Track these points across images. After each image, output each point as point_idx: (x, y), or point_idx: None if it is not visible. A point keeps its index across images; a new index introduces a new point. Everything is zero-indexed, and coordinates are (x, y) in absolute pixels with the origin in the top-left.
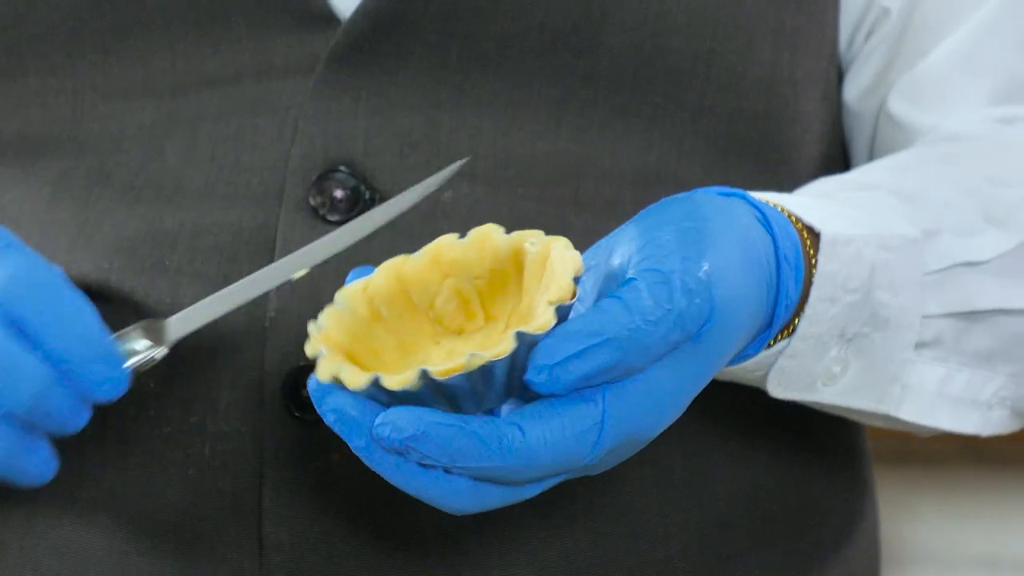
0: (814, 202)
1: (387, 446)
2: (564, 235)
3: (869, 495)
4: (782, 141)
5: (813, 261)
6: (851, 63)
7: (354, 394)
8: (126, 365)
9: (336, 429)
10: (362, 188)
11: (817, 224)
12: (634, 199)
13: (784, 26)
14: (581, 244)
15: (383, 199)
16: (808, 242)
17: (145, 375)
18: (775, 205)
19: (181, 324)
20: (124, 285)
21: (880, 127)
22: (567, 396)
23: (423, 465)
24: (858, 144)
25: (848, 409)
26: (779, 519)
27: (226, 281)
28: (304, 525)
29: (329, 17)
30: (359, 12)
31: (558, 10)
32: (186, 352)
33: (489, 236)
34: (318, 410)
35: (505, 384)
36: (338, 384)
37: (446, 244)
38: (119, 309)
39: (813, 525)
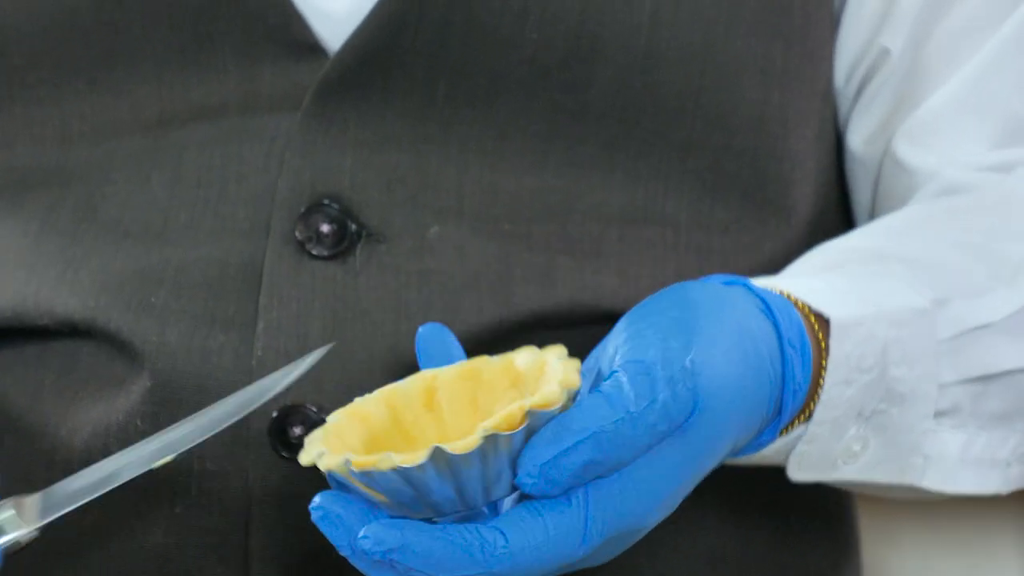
0: (820, 282)
1: (370, 559)
2: (551, 273)
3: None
4: (771, 179)
5: (823, 344)
6: (853, 108)
7: (343, 498)
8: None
9: (323, 531)
10: (348, 222)
11: (826, 310)
12: (621, 237)
13: (774, 64)
14: (568, 287)
15: (369, 234)
16: (816, 325)
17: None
18: (779, 290)
19: (49, 504)
20: (110, 324)
21: (884, 171)
22: (552, 500)
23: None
24: (862, 190)
25: (869, 484)
26: None
27: (211, 317)
28: (291, 565)
29: (317, 50)
30: (347, 45)
31: (547, 46)
32: (173, 390)
33: (480, 370)
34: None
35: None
36: (336, 475)
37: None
38: (105, 347)
39: None
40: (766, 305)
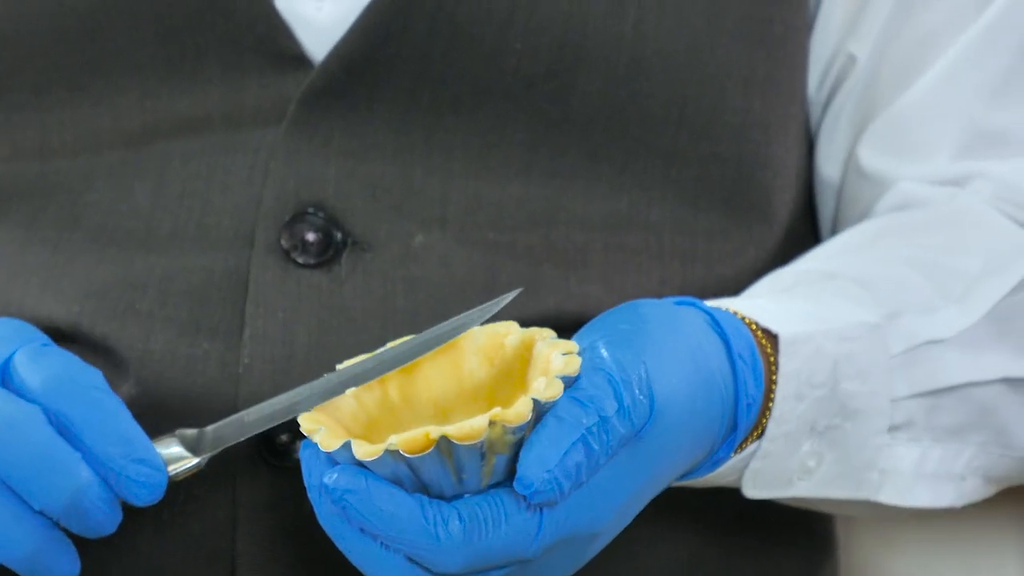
0: (770, 303)
1: (329, 496)
2: (536, 282)
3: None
4: (754, 186)
5: (773, 360)
6: (823, 116)
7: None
8: (168, 468)
9: (305, 471)
10: (334, 231)
11: (774, 327)
12: (605, 245)
13: (756, 73)
14: (553, 296)
15: (354, 242)
16: (766, 343)
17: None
18: (729, 309)
19: (217, 435)
20: (95, 329)
21: (847, 178)
22: (510, 492)
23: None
24: (825, 198)
25: (825, 500)
26: None
27: (196, 325)
28: (279, 572)
29: (302, 60)
30: (332, 55)
31: (531, 56)
32: (159, 398)
33: (504, 340)
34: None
35: (480, 472)
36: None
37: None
38: (90, 353)
39: None
40: (715, 321)
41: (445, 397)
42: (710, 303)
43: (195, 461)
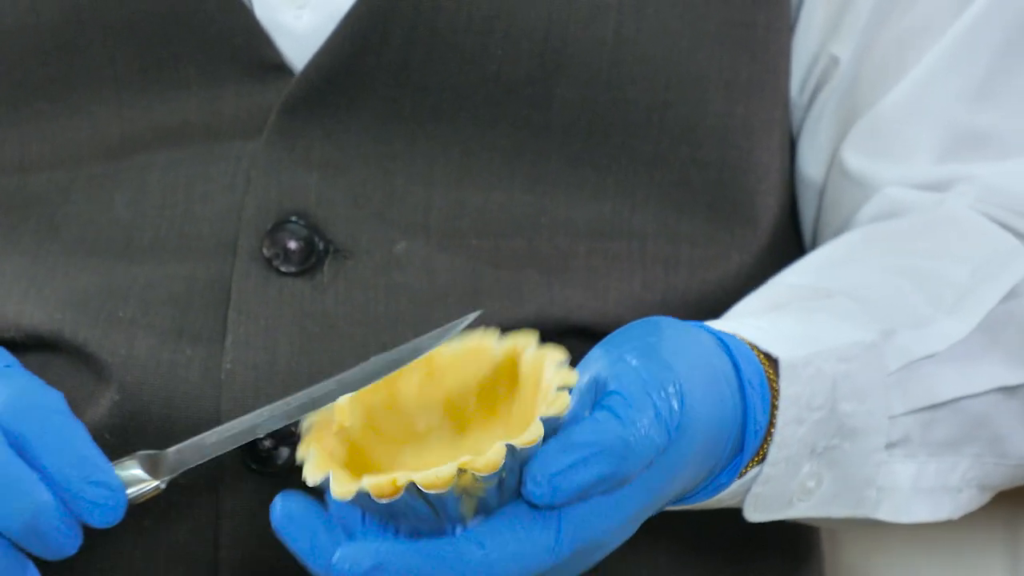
0: (767, 324)
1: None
2: (518, 288)
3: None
4: (737, 191)
5: (774, 384)
6: (805, 118)
7: (307, 518)
8: (127, 492)
9: (293, 549)
10: (316, 239)
11: (774, 351)
12: (588, 251)
13: (738, 76)
14: (535, 300)
15: (336, 250)
16: (767, 367)
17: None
18: (732, 333)
19: (178, 458)
20: (77, 337)
21: (830, 181)
22: (525, 510)
23: None
24: (807, 206)
25: (824, 519)
26: None
27: (179, 331)
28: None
29: (281, 69)
30: (312, 64)
31: (512, 61)
32: (141, 404)
33: (484, 347)
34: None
35: (499, 495)
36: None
37: (440, 358)
38: (72, 360)
39: None
40: (725, 345)
41: (460, 398)
42: (712, 324)
43: (154, 484)
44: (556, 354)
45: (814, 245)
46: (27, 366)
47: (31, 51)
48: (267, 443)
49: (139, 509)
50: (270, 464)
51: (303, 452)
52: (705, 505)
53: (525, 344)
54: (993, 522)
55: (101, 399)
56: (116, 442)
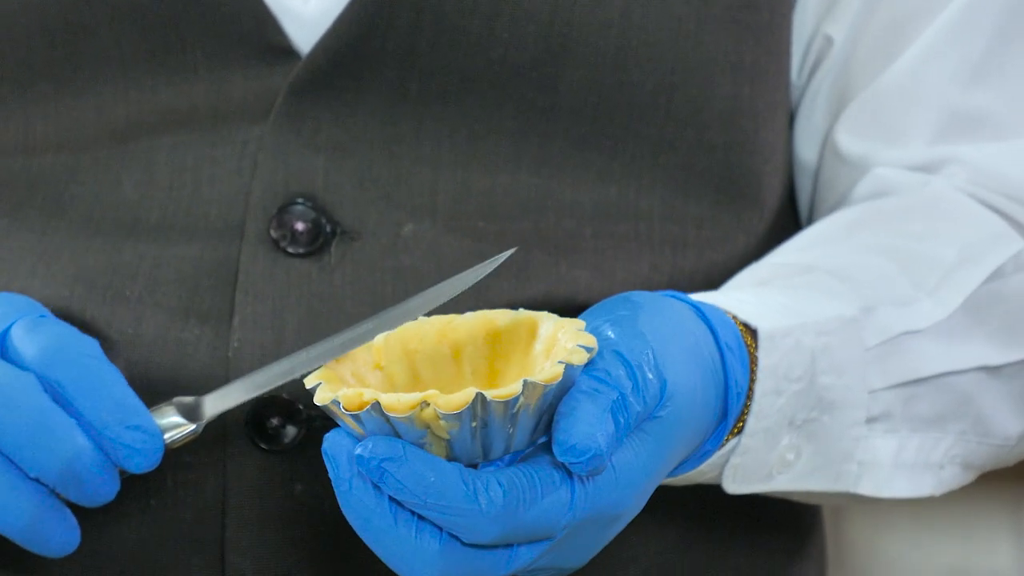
0: (750, 296)
1: (364, 467)
2: (525, 267)
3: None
4: (743, 173)
5: (754, 353)
6: (801, 99)
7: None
8: (164, 435)
9: (325, 461)
10: (323, 221)
11: (753, 321)
12: (595, 232)
13: (743, 59)
14: (543, 281)
15: (343, 232)
16: (746, 337)
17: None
18: (710, 303)
19: (215, 403)
20: (86, 313)
21: (824, 161)
22: (544, 466)
23: (396, 508)
24: (803, 187)
25: (805, 493)
26: None
27: (186, 310)
28: (267, 557)
29: (288, 52)
30: (319, 47)
31: (518, 45)
32: (149, 381)
33: (492, 320)
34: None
35: (509, 434)
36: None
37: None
38: None
39: None
40: (700, 312)
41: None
42: (691, 296)
43: (191, 428)
44: (577, 321)
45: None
46: None
47: (37, 32)
48: (275, 421)
49: (143, 486)
50: (277, 442)
51: (324, 393)
52: (687, 479)
53: (544, 316)
54: (999, 500)
55: None
56: None
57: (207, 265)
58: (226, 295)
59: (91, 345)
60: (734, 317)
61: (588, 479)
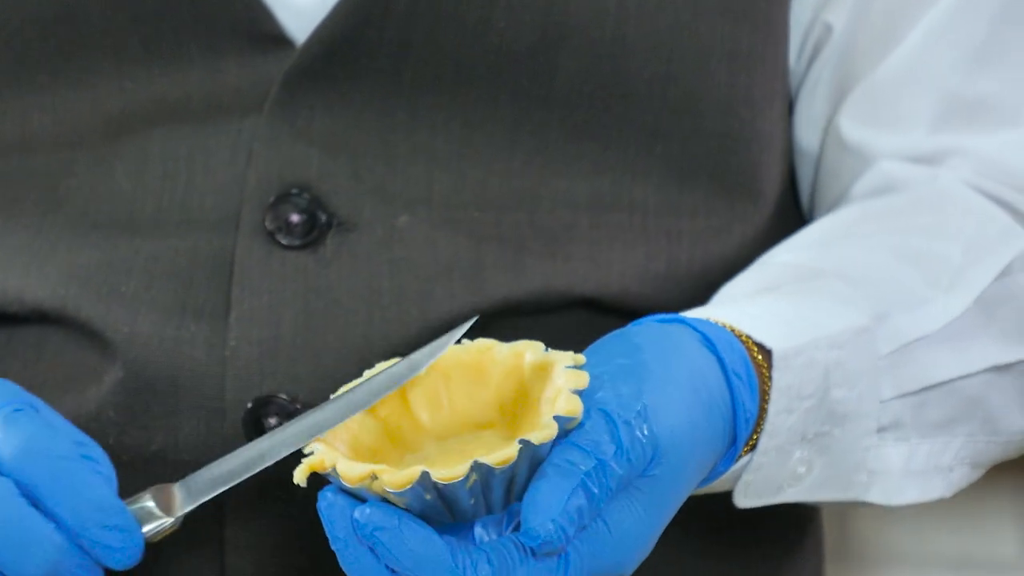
0: (759, 309)
1: (359, 532)
2: (521, 261)
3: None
4: (740, 162)
5: (766, 373)
6: (800, 87)
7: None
8: (143, 531)
9: (322, 520)
10: (318, 212)
11: (767, 341)
12: (591, 223)
13: (740, 47)
14: (539, 270)
15: (339, 223)
16: (759, 356)
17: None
18: (717, 321)
19: (190, 492)
20: (80, 312)
21: (826, 150)
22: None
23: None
24: (804, 175)
25: (814, 502)
26: None
27: (182, 307)
28: (267, 556)
29: (283, 41)
30: (314, 37)
31: (514, 33)
32: (146, 381)
33: (524, 359)
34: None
35: (505, 495)
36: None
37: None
38: (76, 336)
39: None
40: (707, 339)
41: (475, 413)
42: (699, 313)
43: (169, 521)
44: (566, 357)
45: (811, 216)
46: (30, 341)
47: (31, 22)
48: (272, 421)
49: (142, 485)
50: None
51: (323, 460)
52: (695, 492)
53: (531, 348)
54: (1003, 490)
55: (105, 376)
56: (120, 420)
57: (202, 258)
58: (222, 290)
59: (64, 444)
60: (748, 338)
61: (582, 543)
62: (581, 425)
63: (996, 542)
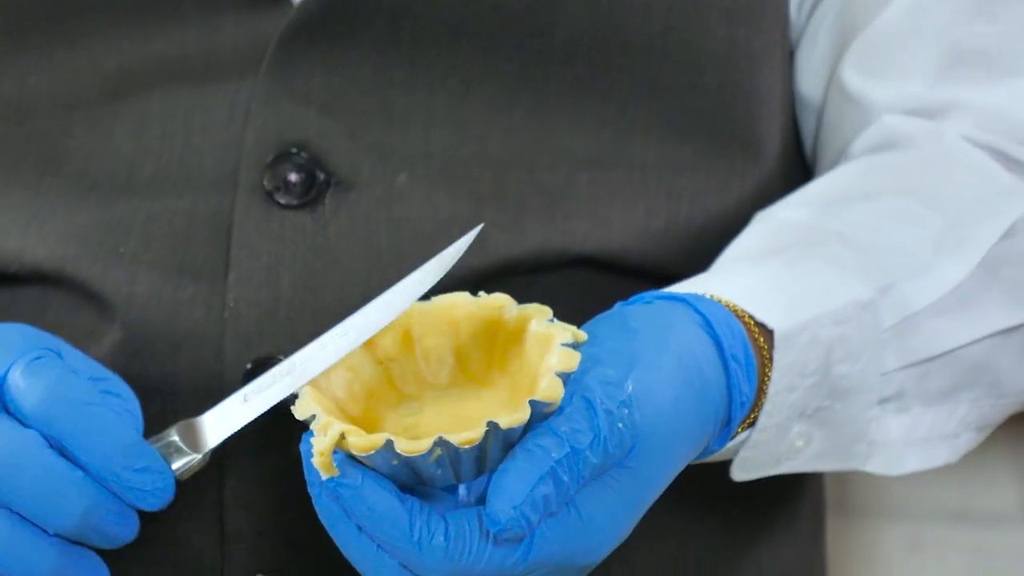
0: (762, 283)
1: (325, 487)
2: (521, 218)
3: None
4: (739, 116)
5: (767, 354)
6: (801, 37)
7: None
8: (172, 469)
9: (303, 461)
10: (316, 171)
11: (770, 321)
12: (590, 180)
13: (739, 1)
14: (538, 228)
15: (338, 182)
16: (759, 335)
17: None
18: (716, 298)
19: (216, 427)
20: (79, 273)
21: (829, 101)
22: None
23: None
24: (806, 125)
25: (811, 472)
26: None
27: (180, 267)
28: (266, 515)
29: None
30: None
31: None
32: (144, 341)
33: (502, 313)
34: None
35: (476, 469)
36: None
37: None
38: (76, 297)
39: None
40: (706, 321)
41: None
42: (700, 286)
43: (198, 457)
44: (566, 333)
45: (815, 170)
46: (29, 301)
47: None
48: None
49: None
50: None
51: (303, 414)
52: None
53: (538, 315)
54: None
55: (105, 336)
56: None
57: (201, 219)
58: (220, 250)
59: (86, 389)
60: (751, 317)
61: (549, 529)
62: (562, 409)
63: (996, 494)
